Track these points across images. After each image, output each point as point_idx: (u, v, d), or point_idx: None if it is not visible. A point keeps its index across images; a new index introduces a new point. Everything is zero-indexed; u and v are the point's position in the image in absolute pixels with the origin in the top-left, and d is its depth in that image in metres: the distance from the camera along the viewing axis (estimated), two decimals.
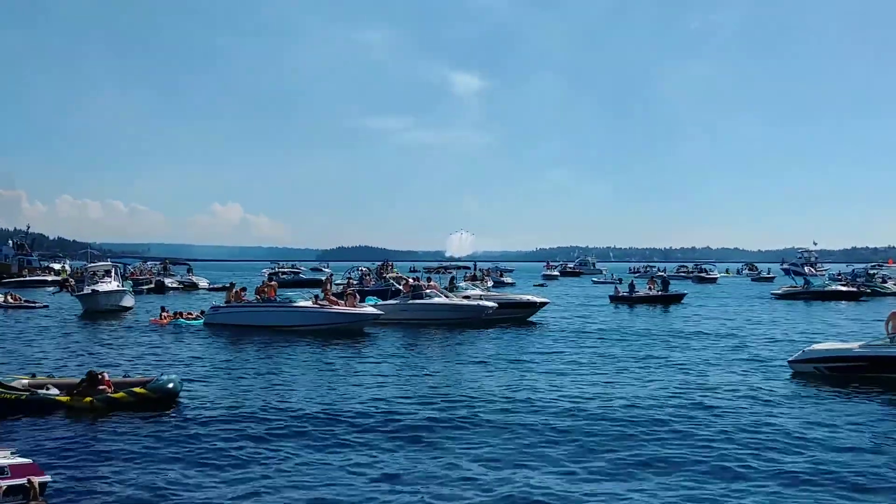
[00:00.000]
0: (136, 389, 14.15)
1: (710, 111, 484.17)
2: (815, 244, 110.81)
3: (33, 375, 15.58)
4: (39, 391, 14.23)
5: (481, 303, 32.02)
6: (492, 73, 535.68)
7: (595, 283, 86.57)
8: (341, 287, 44.64)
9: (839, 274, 69.32)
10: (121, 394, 14.02)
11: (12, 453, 8.49)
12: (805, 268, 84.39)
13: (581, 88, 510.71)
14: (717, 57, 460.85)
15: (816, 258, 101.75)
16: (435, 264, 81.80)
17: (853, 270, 68.72)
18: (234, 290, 31.72)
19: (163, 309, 32.88)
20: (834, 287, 54.95)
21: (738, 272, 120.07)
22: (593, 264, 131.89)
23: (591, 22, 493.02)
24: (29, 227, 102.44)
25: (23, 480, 8.08)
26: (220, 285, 59.26)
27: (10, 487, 7.90)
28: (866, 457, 11.35)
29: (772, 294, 55.46)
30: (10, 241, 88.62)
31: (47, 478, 8.58)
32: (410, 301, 31.70)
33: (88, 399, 13.79)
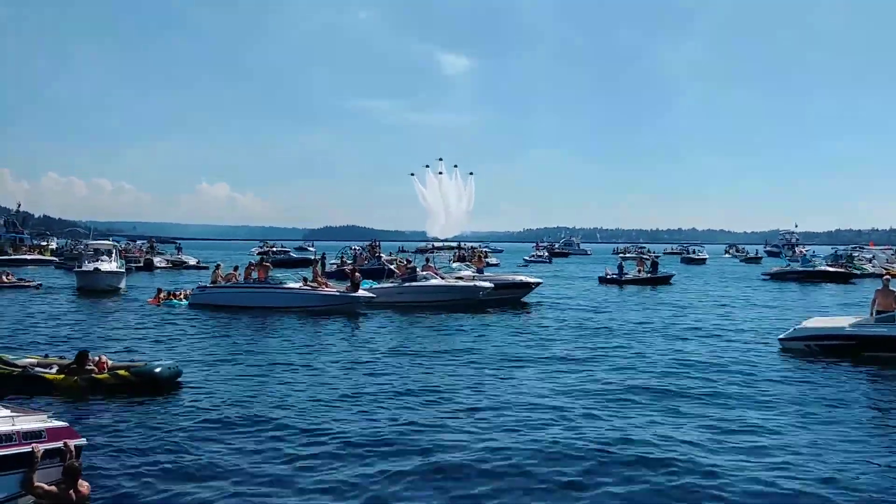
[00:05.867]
0: (120, 372, 14.27)
1: (699, 91, 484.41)
2: (797, 226, 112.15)
3: (46, 356, 15.82)
4: (35, 368, 14.43)
5: (478, 283, 32.05)
6: (481, 52, 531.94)
7: (526, 260, 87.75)
8: (335, 267, 44.73)
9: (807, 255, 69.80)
10: (105, 375, 14.16)
11: (49, 417, 8.59)
12: (796, 250, 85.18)
13: (571, 68, 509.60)
14: (707, 35, 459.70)
15: (798, 240, 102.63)
16: (422, 244, 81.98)
17: (835, 251, 69.40)
18: (219, 271, 31.66)
19: (159, 290, 32.89)
20: (823, 267, 55.52)
21: (727, 252, 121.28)
22: (578, 245, 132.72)
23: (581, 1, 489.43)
24: (20, 206, 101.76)
25: (59, 444, 8.19)
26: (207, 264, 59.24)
27: (47, 451, 8.01)
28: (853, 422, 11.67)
29: (762, 275, 56.04)
30: (2, 220, 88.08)
31: (83, 441, 8.66)
32: (406, 284, 31.73)
33: (75, 379, 13.99)
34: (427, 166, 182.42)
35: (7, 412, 8.14)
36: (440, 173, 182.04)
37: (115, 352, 17.85)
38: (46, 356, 15.78)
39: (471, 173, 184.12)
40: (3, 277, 41.51)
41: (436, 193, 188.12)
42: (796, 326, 20.21)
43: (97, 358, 14.68)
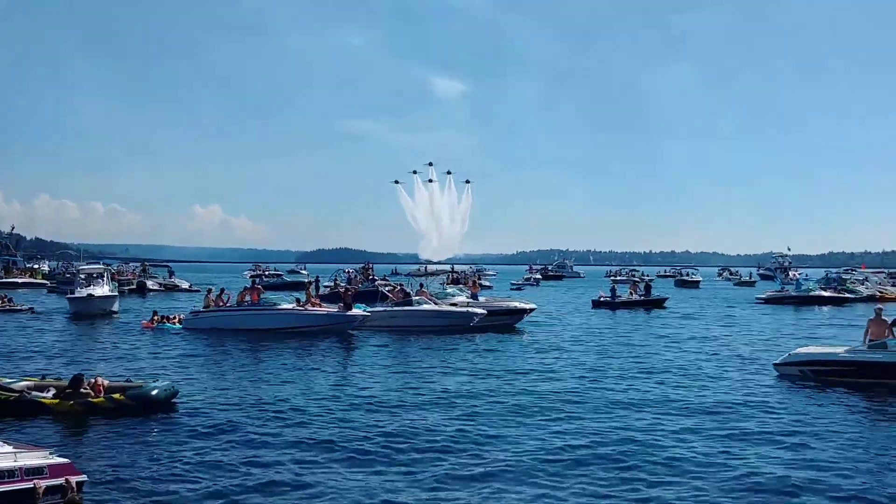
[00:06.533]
0: (116, 396, 14.37)
1: (691, 115, 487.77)
2: (789, 249, 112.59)
3: (43, 377, 15.90)
4: (32, 393, 14.50)
5: (470, 309, 32.12)
6: (474, 75, 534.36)
7: (514, 284, 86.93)
8: (328, 290, 44.78)
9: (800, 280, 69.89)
10: (100, 399, 14.25)
11: (50, 454, 8.62)
12: (789, 273, 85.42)
13: (563, 92, 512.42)
14: (699, 61, 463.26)
15: (790, 262, 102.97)
16: (414, 267, 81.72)
17: (826, 274, 69.73)
18: (211, 295, 31.72)
19: (155, 313, 32.94)
20: (818, 292, 55.66)
21: (720, 275, 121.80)
22: (571, 267, 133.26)
23: (573, 25, 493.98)
24: (13, 228, 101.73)
25: (60, 480, 8.21)
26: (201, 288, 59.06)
27: (48, 487, 8.05)
28: (851, 454, 11.71)
29: (756, 298, 56.25)
30: None
31: (84, 477, 8.71)
32: (399, 308, 31.83)
33: (71, 403, 14.07)
34: (415, 172, 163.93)
35: (9, 448, 8.18)
36: (430, 181, 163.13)
37: (111, 375, 17.79)
38: (43, 378, 15.87)
39: (467, 181, 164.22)
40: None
41: (426, 208, 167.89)
42: (791, 352, 20.35)
43: (93, 380, 14.76)
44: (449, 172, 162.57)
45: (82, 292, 37.88)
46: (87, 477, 8.93)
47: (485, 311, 31.98)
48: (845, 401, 16.31)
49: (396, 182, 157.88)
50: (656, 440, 12.76)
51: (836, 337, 28.16)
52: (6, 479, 7.77)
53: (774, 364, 20.13)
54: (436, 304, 32.58)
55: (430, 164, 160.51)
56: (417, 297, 32.80)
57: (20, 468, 7.92)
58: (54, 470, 8.24)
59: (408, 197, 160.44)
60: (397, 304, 32.27)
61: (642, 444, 12.52)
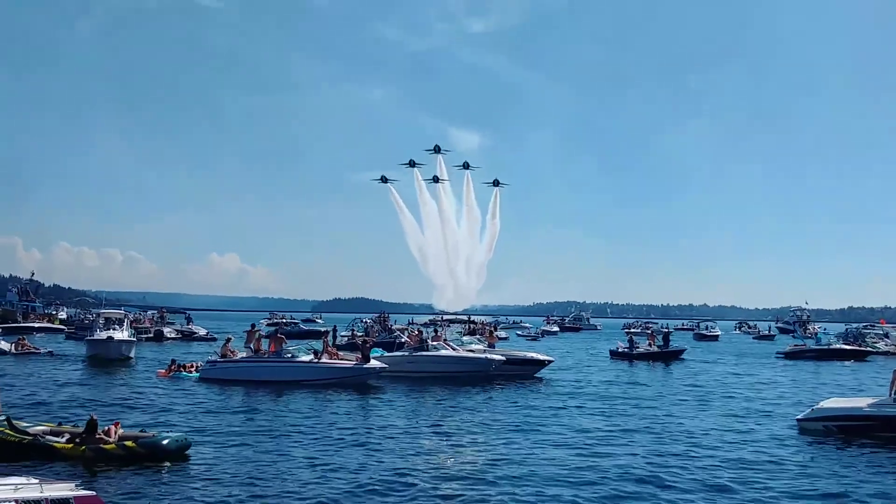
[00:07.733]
0: (128, 443, 14.36)
1: (707, 169, 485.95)
2: (807, 303, 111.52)
3: (60, 424, 15.92)
4: (46, 437, 14.61)
5: (489, 356, 31.92)
6: (491, 130, 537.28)
7: (519, 335, 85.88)
8: (345, 339, 44.72)
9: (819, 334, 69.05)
10: (112, 446, 14.26)
11: (77, 486, 8.64)
12: (809, 327, 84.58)
13: (580, 147, 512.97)
14: (715, 116, 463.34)
15: (809, 316, 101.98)
16: (431, 317, 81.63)
17: (846, 330, 69.00)
18: (228, 345, 31.57)
19: (173, 361, 32.83)
20: (839, 345, 55.02)
21: (737, 328, 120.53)
22: (588, 319, 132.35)
23: (590, 81, 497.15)
24: (33, 274, 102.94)
25: None
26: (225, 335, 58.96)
27: None
28: None
29: (777, 353, 55.68)
30: (15, 288, 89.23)
31: None
32: (417, 353, 31.66)
33: (83, 448, 14.12)
34: (413, 164, 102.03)
35: (35, 480, 8.22)
36: (436, 180, 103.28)
37: (126, 424, 17.75)
38: (60, 424, 15.94)
39: (496, 183, 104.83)
40: (20, 344, 42.10)
41: (437, 239, 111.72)
42: (814, 407, 20.04)
43: (107, 428, 14.78)
44: (467, 166, 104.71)
45: (101, 335, 38.02)
46: None
47: (503, 358, 31.74)
48: (873, 458, 16.00)
49: (384, 180, 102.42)
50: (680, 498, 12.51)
51: (860, 391, 27.72)
52: None
53: (798, 419, 19.82)
54: (453, 349, 32.39)
55: (437, 149, 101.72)
56: (435, 343, 32.62)
57: (46, 499, 7.95)
58: (80, 502, 8.26)
59: (410, 215, 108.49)
60: (415, 350, 32.10)
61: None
